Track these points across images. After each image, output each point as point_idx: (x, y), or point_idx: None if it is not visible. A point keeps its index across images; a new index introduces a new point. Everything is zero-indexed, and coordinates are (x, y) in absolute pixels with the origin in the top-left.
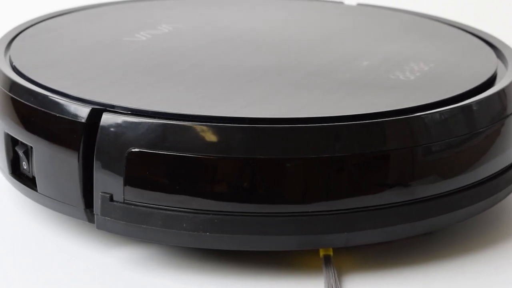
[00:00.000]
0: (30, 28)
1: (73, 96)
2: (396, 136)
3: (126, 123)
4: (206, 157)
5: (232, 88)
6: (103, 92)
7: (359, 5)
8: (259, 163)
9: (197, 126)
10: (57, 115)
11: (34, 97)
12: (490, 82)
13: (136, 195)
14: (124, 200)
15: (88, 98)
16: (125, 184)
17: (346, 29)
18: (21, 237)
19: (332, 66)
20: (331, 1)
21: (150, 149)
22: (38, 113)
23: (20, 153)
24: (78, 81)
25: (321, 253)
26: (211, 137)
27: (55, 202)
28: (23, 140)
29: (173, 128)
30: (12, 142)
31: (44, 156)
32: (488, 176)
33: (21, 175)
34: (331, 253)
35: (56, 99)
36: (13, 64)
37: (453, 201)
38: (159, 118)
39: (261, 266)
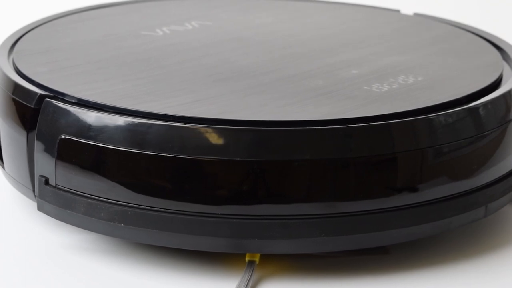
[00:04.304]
0: (63, 18)
1: (33, 81)
2: (319, 145)
3: (60, 110)
4: (122, 149)
5: (188, 86)
6: (65, 80)
7: (416, 14)
8: (169, 160)
9: (117, 119)
10: (15, 98)
11: (1, 79)
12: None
13: (64, 181)
14: (56, 184)
15: (45, 84)
16: (56, 169)
17: (368, 37)
18: (21, 237)
19: (314, 72)
20: (387, 9)
21: (76, 137)
22: (2, 95)
23: None
24: (55, 68)
25: (247, 258)
26: (127, 130)
27: (15, 182)
28: None
29: (96, 119)
30: None
31: (5, 136)
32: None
33: (1, 154)
34: (257, 260)
35: (16, 83)
36: (11, 50)
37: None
38: (89, 108)
39: (194, 260)
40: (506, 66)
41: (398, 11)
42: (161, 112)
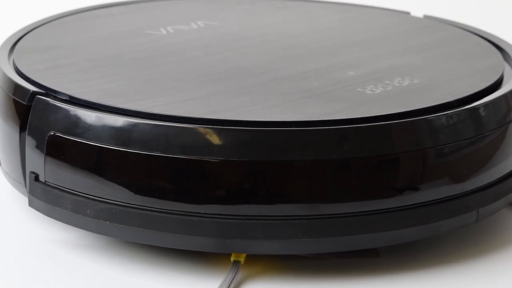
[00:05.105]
0: (69, 16)
1: (28, 79)
2: (303, 147)
3: (50, 107)
4: (108, 147)
5: (181, 85)
6: (60, 78)
7: (426, 17)
8: (154, 159)
9: (103, 116)
10: (11, 95)
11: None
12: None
13: (53, 178)
14: (45, 181)
15: (39, 81)
16: (45, 165)
17: (372, 38)
18: (20, 236)
19: (311, 73)
20: (396, 11)
21: (64, 134)
22: (0, 93)
23: None
24: (52, 66)
25: (232, 258)
26: (113, 128)
27: (10, 178)
28: None
29: (83, 117)
30: None
31: (1, 133)
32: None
33: None
34: (242, 260)
35: (11, 80)
36: (13, 49)
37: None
38: (77, 105)
39: (181, 259)
40: (507, 67)
41: (408, 13)
42: (147, 110)
